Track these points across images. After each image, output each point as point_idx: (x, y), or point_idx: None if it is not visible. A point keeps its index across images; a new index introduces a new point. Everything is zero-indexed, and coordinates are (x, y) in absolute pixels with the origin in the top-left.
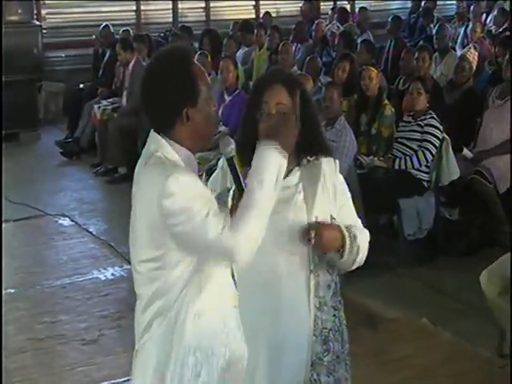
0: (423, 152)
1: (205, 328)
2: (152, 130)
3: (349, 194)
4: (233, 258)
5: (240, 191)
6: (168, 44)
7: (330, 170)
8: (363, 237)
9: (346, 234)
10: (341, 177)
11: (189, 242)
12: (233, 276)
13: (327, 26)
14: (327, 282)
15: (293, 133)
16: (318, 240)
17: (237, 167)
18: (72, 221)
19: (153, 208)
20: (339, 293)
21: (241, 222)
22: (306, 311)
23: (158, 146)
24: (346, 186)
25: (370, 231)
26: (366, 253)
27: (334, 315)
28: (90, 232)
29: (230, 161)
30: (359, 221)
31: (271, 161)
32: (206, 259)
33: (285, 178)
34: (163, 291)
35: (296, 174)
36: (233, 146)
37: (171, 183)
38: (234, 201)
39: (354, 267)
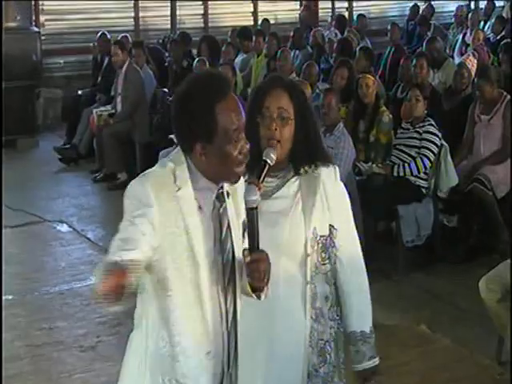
0: (422, 159)
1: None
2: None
3: (349, 205)
4: None
5: (251, 249)
6: (167, 50)
7: (330, 180)
8: (362, 296)
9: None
10: (341, 185)
11: None
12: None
13: (325, 33)
14: (325, 294)
15: (292, 138)
16: None
17: (255, 221)
18: (70, 227)
19: None
20: (337, 304)
21: None
22: (302, 323)
23: (176, 160)
24: (346, 195)
25: (368, 238)
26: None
27: (331, 327)
28: (88, 238)
29: (250, 211)
30: (356, 240)
31: None
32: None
33: (281, 187)
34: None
35: (294, 184)
36: (257, 197)
37: (130, 186)
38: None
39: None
